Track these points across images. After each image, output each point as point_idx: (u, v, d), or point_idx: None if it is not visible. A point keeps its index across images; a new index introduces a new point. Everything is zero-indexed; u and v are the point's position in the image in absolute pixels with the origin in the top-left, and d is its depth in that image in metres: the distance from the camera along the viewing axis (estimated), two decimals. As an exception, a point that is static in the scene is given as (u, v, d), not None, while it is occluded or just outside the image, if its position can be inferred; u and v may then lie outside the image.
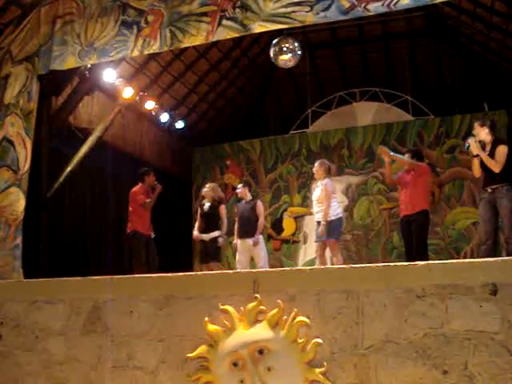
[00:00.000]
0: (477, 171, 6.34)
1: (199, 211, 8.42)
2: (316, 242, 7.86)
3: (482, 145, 6.31)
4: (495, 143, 6.23)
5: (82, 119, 10.08)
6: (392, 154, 7.40)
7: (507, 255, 5.80)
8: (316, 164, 7.97)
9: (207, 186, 8.70)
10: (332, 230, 7.63)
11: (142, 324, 4.29)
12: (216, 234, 8.37)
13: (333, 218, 7.60)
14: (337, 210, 7.73)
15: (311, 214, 9.67)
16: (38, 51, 6.20)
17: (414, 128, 11.58)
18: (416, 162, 7.26)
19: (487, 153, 6.19)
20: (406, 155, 7.44)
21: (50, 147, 9.06)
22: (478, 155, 6.24)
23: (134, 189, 7.99)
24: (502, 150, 6.10)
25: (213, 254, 8.33)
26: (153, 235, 8.11)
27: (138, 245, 7.84)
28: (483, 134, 6.31)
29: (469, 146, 6.33)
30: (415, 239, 6.98)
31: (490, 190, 6.12)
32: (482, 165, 6.24)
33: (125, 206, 8.11)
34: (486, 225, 6.16)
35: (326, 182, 7.73)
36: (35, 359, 4.58)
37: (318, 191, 7.84)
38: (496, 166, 6.07)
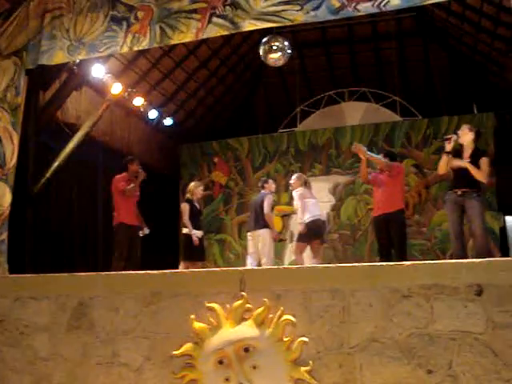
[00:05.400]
0: (443, 169, 6.41)
1: (188, 208, 8.38)
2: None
3: (459, 148, 6.37)
4: (475, 152, 6.27)
5: (70, 114, 10.02)
6: (368, 153, 7.45)
7: (476, 254, 5.85)
8: (294, 177, 8.47)
9: (200, 186, 8.74)
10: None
11: (128, 321, 4.28)
12: (201, 233, 8.44)
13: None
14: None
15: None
16: (27, 45, 6.14)
17: (401, 129, 11.63)
18: (389, 161, 7.31)
19: (467, 160, 6.23)
20: (381, 155, 7.60)
21: (38, 142, 8.99)
22: (449, 152, 6.31)
23: (116, 177, 7.83)
24: (486, 161, 6.18)
25: (200, 253, 8.39)
26: (146, 230, 8.00)
27: (122, 239, 7.66)
28: (468, 138, 6.32)
29: (450, 139, 6.37)
30: (396, 238, 7.01)
31: (459, 193, 6.16)
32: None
33: (112, 201, 8.01)
34: (457, 225, 6.22)
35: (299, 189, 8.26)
36: (20, 355, 4.56)
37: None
38: (483, 177, 6.12)
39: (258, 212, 8.30)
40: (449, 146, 6.33)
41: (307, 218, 7.91)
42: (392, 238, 7.03)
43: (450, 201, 6.27)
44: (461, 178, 6.20)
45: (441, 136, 11.12)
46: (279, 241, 9.26)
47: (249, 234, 8.58)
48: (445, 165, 6.35)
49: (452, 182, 6.40)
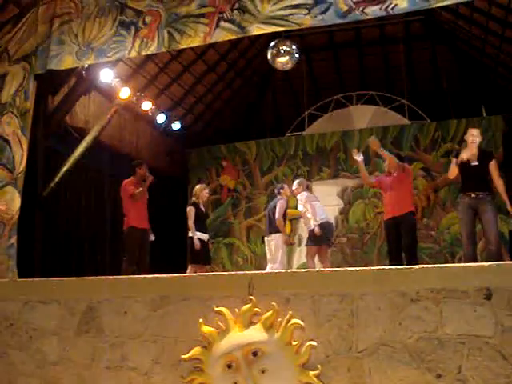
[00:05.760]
0: (454, 173, 6.44)
1: (194, 211, 8.34)
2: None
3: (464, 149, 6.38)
4: (483, 154, 6.30)
5: (79, 119, 10.06)
6: (382, 149, 7.40)
7: (487, 258, 5.84)
8: (296, 183, 8.60)
9: (206, 189, 8.72)
10: None
11: (136, 325, 4.29)
12: (206, 236, 8.42)
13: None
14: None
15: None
16: (36, 50, 6.18)
17: (410, 132, 11.61)
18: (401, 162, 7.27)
19: (475, 163, 6.24)
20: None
21: (46, 147, 9.04)
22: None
23: (125, 181, 7.86)
24: (495, 165, 6.26)
25: (205, 256, 8.37)
26: (152, 237, 8.00)
27: (132, 243, 7.69)
28: (477, 143, 6.32)
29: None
30: (407, 241, 6.96)
31: (473, 196, 6.17)
32: (465, 169, 6.28)
33: (121, 206, 8.02)
34: (470, 227, 6.21)
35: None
36: (29, 359, 4.57)
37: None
38: (501, 185, 6.22)
39: (271, 217, 8.36)
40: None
41: (319, 219, 7.97)
42: (403, 241, 6.98)
43: (463, 204, 6.27)
44: (473, 181, 6.20)
45: (449, 139, 11.14)
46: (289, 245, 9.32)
47: (266, 239, 8.63)
48: (456, 169, 6.37)
49: (463, 185, 6.38)
